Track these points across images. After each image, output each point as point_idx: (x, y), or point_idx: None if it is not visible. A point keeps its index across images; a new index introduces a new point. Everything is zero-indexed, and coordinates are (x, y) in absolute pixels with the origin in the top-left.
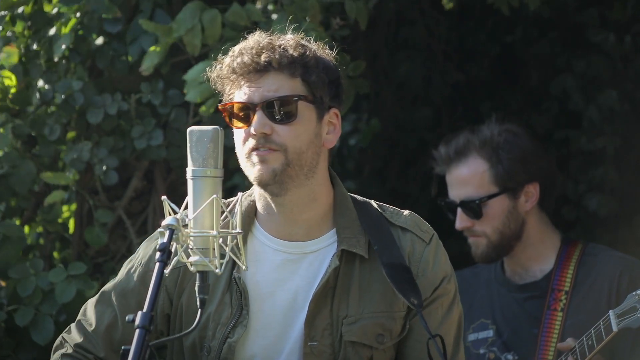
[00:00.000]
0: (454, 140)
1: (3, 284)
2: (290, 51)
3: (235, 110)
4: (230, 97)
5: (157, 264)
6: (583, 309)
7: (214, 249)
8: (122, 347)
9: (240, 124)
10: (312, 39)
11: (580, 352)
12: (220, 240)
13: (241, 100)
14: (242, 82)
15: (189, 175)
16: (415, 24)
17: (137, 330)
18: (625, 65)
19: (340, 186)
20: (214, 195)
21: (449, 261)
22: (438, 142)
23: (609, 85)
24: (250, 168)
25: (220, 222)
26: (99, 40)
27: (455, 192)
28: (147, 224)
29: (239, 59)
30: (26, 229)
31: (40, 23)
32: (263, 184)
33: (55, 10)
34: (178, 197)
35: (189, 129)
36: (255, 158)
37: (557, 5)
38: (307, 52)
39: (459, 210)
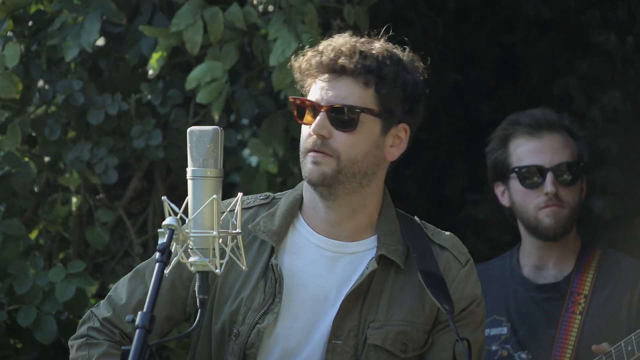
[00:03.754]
0: (536, 112)
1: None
2: (370, 60)
3: (304, 106)
4: (308, 90)
5: (157, 264)
6: (602, 314)
7: (214, 249)
8: (122, 347)
9: (307, 120)
10: (406, 48)
11: (618, 356)
12: (221, 240)
13: (310, 98)
14: (319, 80)
15: (189, 175)
16: (411, 24)
17: (137, 331)
18: (627, 66)
19: (388, 195)
20: (214, 196)
21: (480, 287)
22: (437, 142)
23: (611, 85)
24: (304, 166)
25: (220, 222)
26: (100, 41)
27: (547, 158)
28: (147, 224)
29: (317, 57)
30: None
31: (41, 23)
32: (312, 184)
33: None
34: (178, 197)
35: (189, 129)
36: (309, 158)
37: (558, 5)
38: (388, 64)
39: (550, 175)
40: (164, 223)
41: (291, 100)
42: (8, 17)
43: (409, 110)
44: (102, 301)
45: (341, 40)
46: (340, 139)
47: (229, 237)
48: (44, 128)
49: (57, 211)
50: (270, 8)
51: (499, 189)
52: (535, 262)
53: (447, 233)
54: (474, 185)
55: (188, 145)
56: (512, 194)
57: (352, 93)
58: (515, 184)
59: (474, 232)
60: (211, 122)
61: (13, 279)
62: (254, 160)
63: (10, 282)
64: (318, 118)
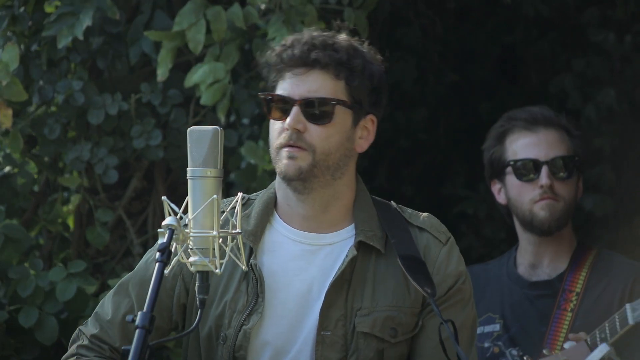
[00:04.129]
0: (533, 108)
1: None
2: (340, 53)
3: (274, 101)
4: (273, 85)
5: (157, 264)
6: (593, 312)
7: (213, 249)
8: (122, 347)
9: (277, 116)
10: (365, 41)
11: (592, 344)
12: (220, 240)
13: (282, 93)
14: (287, 74)
15: (189, 175)
16: (410, 24)
17: (137, 331)
18: (625, 65)
19: (361, 183)
20: (214, 196)
21: (463, 262)
22: (434, 143)
23: (608, 84)
24: (278, 162)
25: (220, 221)
26: (99, 40)
27: (543, 152)
28: (147, 224)
29: (289, 51)
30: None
31: (41, 23)
32: (287, 179)
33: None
34: (178, 197)
35: (189, 129)
36: (284, 154)
37: (557, 5)
38: (356, 56)
39: (545, 168)
40: (164, 223)
41: (261, 96)
42: (7, 16)
43: (375, 101)
44: (89, 318)
45: (309, 34)
46: (315, 133)
47: (229, 237)
48: (44, 128)
49: (57, 211)
50: (271, 6)
51: (495, 187)
52: (531, 260)
53: (425, 214)
54: (471, 185)
55: (188, 145)
56: (507, 189)
57: (324, 86)
58: (511, 178)
59: (471, 230)
60: (211, 122)
61: (16, 283)
62: (253, 160)
63: (14, 287)
64: (293, 112)
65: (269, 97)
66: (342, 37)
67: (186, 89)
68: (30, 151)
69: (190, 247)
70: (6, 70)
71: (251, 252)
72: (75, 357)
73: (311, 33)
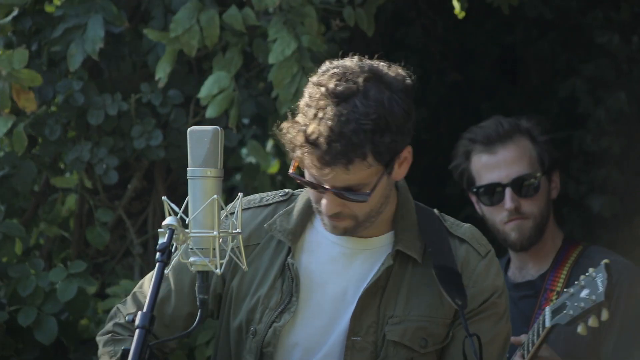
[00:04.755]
0: (489, 125)
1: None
2: (360, 136)
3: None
4: (298, 157)
5: (157, 264)
6: None
7: (214, 249)
8: (122, 347)
9: (308, 186)
10: (389, 65)
11: (527, 347)
12: (221, 240)
13: (310, 180)
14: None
15: (189, 175)
16: (412, 24)
17: (137, 330)
18: (632, 66)
19: (405, 190)
20: (214, 196)
21: (502, 277)
22: (437, 142)
23: (616, 86)
24: (322, 221)
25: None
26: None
27: (504, 173)
28: (147, 224)
29: (309, 151)
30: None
31: (41, 23)
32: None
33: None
34: (178, 197)
35: (189, 129)
36: (326, 220)
37: (559, 6)
38: (385, 129)
39: (509, 190)
40: (164, 223)
41: (291, 175)
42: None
43: (407, 137)
44: (128, 297)
45: (328, 121)
46: (354, 207)
47: (229, 237)
48: (44, 128)
49: (57, 211)
50: (271, 9)
51: (472, 197)
52: (517, 264)
53: (467, 225)
54: None
55: (188, 145)
56: (479, 207)
57: (354, 172)
58: (478, 202)
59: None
60: (211, 122)
61: (16, 282)
62: (254, 159)
63: (13, 286)
64: (327, 200)
65: (298, 182)
66: (368, 110)
67: (186, 89)
68: (31, 151)
69: (191, 247)
70: (21, 57)
71: (289, 251)
72: (110, 335)
73: (330, 111)
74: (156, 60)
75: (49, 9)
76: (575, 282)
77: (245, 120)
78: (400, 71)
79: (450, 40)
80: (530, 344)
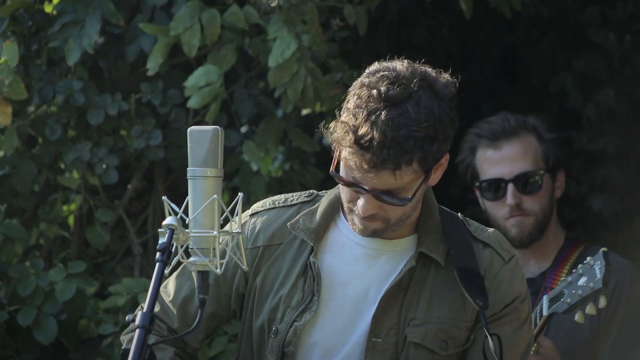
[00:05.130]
0: (496, 120)
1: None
2: (410, 144)
3: (343, 180)
4: (344, 158)
5: (157, 264)
6: None
7: (214, 249)
8: (122, 347)
9: (347, 185)
10: (440, 72)
11: None
12: (221, 240)
13: (352, 180)
14: (356, 160)
15: (189, 175)
16: (417, 24)
17: (137, 330)
18: (624, 64)
19: (430, 193)
20: (214, 196)
21: (525, 283)
22: None
23: (607, 84)
24: (351, 220)
25: (221, 221)
26: (100, 41)
27: (507, 169)
28: (147, 224)
29: (359, 154)
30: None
31: (41, 23)
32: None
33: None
34: (178, 197)
35: (189, 129)
36: (356, 220)
37: (557, 5)
38: (432, 140)
39: (511, 186)
40: (164, 223)
41: (332, 174)
42: (7, 18)
43: (447, 144)
44: None
45: (381, 125)
46: (390, 210)
47: (229, 237)
48: (44, 128)
49: (57, 211)
50: (274, 4)
51: (476, 193)
52: (522, 257)
53: (491, 230)
54: None
55: (188, 145)
56: (482, 202)
57: (397, 180)
58: (480, 196)
59: None
60: (211, 122)
61: (16, 282)
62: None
63: (14, 285)
64: (365, 200)
65: (339, 181)
66: (412, 113)
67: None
68: (31, 151)
69: (191, 247)
70: (8, 69)
71: (312, 250)
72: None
73: (385, 116)
74: (138, 51)
75: (48, 8)
76: (574, 271)
77: (244, 120)
78: (448, 78)
79: (452, 41)
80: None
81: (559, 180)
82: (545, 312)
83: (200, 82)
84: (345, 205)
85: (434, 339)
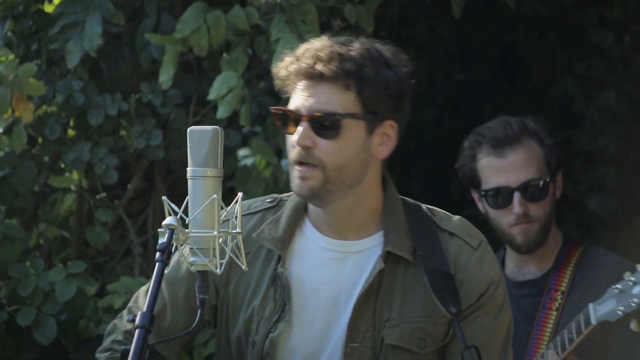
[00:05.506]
0: (497, 126)
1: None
2: (348, 63)
3: (286, 115)
4: (287, 98)
5: (157, 264)
6: (578, 310)
7: (214, 249)
8: (122, 347)
9: (290, 130)
10: (386, 45)
11: (561, 344)
12: (221, 240)
13: (292, 107)
14: (297, 87)
15: (189, 175)
16: (418, 23)
17: (137, 330)
18: (625, 65)
19: (392, 188)
20: (214, 196)
21: (498, 266)
22: (440, 142)
23: (609, 85)
24: (292, 180)
25: (221, 222)
26: (99, 41)
27: (512, 177)
28: (147, 224)
29: (295, 64)
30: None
31: (41, 23)
32: (302, 198)
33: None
34: (178, 197)
35: (189, 129)
36: (296, 172)
37: (556, 4)
38: (368, 65)
39: (517, 195)
40: (164, 223)
41: (273, 111)
42: (8, 19)
43: (395, 107)
44: (124, 311)
45: (319, 44)
46: (324, 148)
47: (229, 237)
48: (44, 128)
49: (57, 211)
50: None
51: (474, 195)
52: (517, 262)
53: (456, 217)
54: None
55: (188, 145)
56: (484, 208)
57: (333, 99)
58: (485, 204)
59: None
60: (211, 122)
61: (16, 282)
62: (249, 161)
63: (13, 285)
64: (300, 128)
65: (280, 112)
66: (357, 43)
67: (186, 89)
68: (31, 151)
69: (190, 247)
70: (13, 66)
71: (279, 260)
72: (109, 353)
73: (322, 42)
74: (149, 59)
75: (48, 9)
76: (623, 279)
77: None
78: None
79: (453, 41)
80: (567, 341)
81: (558, 181)
82: (593, 322)
83: (222, 90)
84: (289, 159)
85: (411, 338)
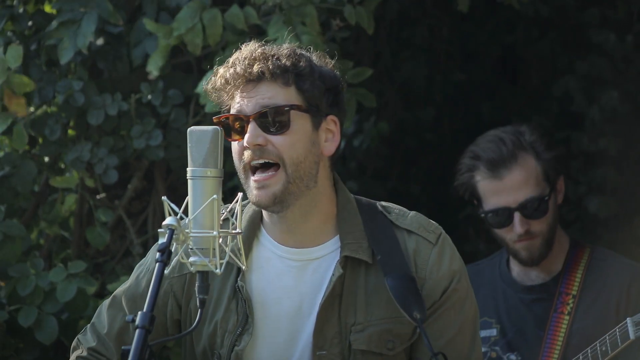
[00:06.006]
0: (491, 146)
1: (2, 284)
2: (283, 60)
3: (230, 122)
4: (227, 109)
5: (157, 264)
6: (591, 314)
7: (214, 249)
8: (122, 347)
9: (237, 137)
10: (311, 48)
11: (593, 356)
12: (221, 240)
13: (234, 112)
14: (236, 93)
15: (189, 175)
16: (418, 23)
17: (137, 331)
18: (627, 65)
19: (344, 190)
20: (214, 196)
21: (459, 257)
22: (440, 142)
23: (611, 85)
24: (248, 191)
25: (221, 222)
26: (100, 41)
27: (511, 198)
28: (147, 224)
29: (231, 70)
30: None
31: (41, 23)
32: (262, 207)
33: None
34: (178, 197)
35: (189, 129)
36: (252, 184)
37: (557, 5)
38: (301, 61)
39: (517, 215)
40: (164, 223)
41: (215, 120)
42: (6, 17)
43: (333, 102)
44: (88, 326)
45: (250, 48)
46: (277, 143)
47: (229, 237)
48: (44, 128)
49: (57, 211)
50: (270, 2)
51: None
52: (523, 267)
53: (411, 214)
54: None
55: (188, 145)
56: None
57: (275, 95)
58: (487, 222)
59: (476, 231)
60: (211, 122)
61: (16, 282)
62: None
63: (13, 285)
64: (249, 128)
65: (223, 119)
66: (284, 45)
67: (186, 89)
68: (31, 151)
69: (190, 247)
70: (3, 66)
71: (238, 272)
72: None
73: (250, 47)
74: (143, 55)
75: (47, 9)
76: None
77: None
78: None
79: (453, 41)
80: (599, 355)
81: (559, 188)
82: (632, 336)
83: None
84: (240, 166)
85: (379, 341)
